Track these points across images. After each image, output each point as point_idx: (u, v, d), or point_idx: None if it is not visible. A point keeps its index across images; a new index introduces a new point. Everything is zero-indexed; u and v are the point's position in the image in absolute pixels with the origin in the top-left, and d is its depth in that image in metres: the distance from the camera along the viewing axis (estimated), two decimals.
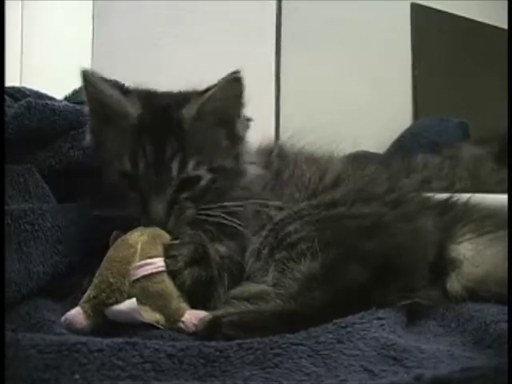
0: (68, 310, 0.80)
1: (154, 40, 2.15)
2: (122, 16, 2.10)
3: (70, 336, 0.70)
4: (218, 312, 0.77)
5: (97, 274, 0.80)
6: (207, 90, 0.92)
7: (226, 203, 0.90)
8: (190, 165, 0.88)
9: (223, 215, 0.89)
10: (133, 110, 0.89)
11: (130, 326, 0.78)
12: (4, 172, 0.87)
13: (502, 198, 1.07)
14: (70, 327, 0.76)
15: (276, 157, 1.07)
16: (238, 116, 0.96)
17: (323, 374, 0.62)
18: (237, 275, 0.89)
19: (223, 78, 0.92)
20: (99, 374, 0.60)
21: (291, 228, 0.90)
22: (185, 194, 0.88)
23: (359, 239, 0.86)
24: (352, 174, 1.01)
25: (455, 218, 1.01)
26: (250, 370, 0.62)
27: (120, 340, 0.65)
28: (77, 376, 0.59)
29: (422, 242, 0.91)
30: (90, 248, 0.91)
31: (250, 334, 0.70)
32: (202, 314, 0.78)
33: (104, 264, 0.81)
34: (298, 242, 0.88)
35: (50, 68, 1.89)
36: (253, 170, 0.99)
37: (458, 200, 1.07)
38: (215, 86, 0.91)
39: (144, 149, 0.87)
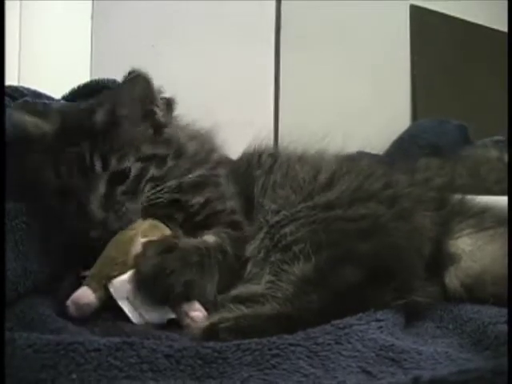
0: (64, 306, 0.80)
1: (152, 40, 2.14)
2: (120, 16, 2.10)
3: (66, 335, 0.69)
4: (215, 318, 0.77)
5: (99, 258, 0.84)
6: (115, 90, 0.95)
7: (171, 181, 0.92)
8: (113, 160, 0.88)
9: (174, 190, 0.91)
10: (48, 127, 0.90)
11: (128, 325, 0.78)
12: (5, 173, 0.86)
13: (496, 200, 1.08)
14: (78, 305, 0.79)
15: (268, 157, 1.07)
16: (155, 106, 0.95)
17: (321, 375, 0.62)
18: (228, 265, 0.89)
19: (123, 81, 0.94)
20: (96, 373, 0.60)
21: (287, 230, 0.90)
22: (120, 189, 0.88)
23: (355, 241, 0.86)
24: (347, 171, 1.01)
25: (452, 213, 1.01)
26: (248, 371, 0.62)
27: (117, 340, 0.65)
28: (74, 376, 0.59)
29: (418, 240, 0.91)
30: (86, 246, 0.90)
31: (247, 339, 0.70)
32: (197, 305, 0.82)
33: (106, 247, 0.85)
34: (292, 244, 0.88)
35: (48, 68, 1.89)
36: (193, 146, 1.00)
37: (453, 196, 1.07)
38: (120, 88, 0.94)
39: (65, 159, 0.87)
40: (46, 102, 1.03)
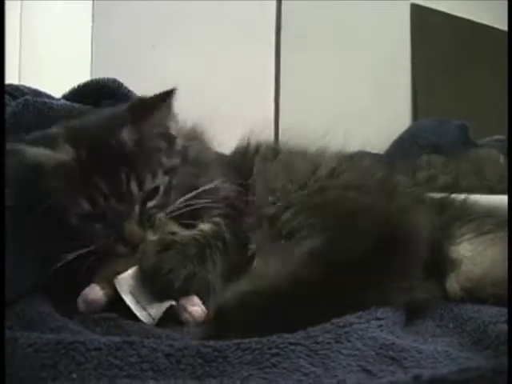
0: (64, 304, 0.81)
1: (152, 40, 2.15)
2: (121, 16, 2.10)
3: (67, 334, 0.69)
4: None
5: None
6: (142, 108, 0.92)
7: (189, 195, 0.93)
8: (148, 179, 0.89)
9: (192, 203, 0.92)
10: (65, 156, 0.88)
11: (129, 324, 0.78)
12: (4, 170, 0.86)
13: (499, 199, 1.07)
14: (87, 301, 0.83)
15: (267, 149, 1.09)
16: (171, 121, 0.97)
17: (321, 374, 0.62)
18: (229, 251, 0.91)
19: (159, 99, 0.92)
20: (96, 372, 0.60)
21: (284, 217, 0.91)
22: (150, 204, 0.90)
23: (353, 218, 0.86)
24: (347, 169, 1.01)
25: (453, 217, 1.01)
26: (248, 370, 0.62)
27: (117, 339, 0.65)
28: (74, 375, 0.59)
29: (416, 228, 0.90)
30: (86, 247, 0.91)
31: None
32: (195, 299, 0.84)
33: None
34: (294, 231, 0.88)
35: (48, 67, 1.89)
36: (194, 148, 1.02)
37: (454, 199, 1.07)
38: (153, 106, 0.91)
39: (97, 185, 0.86)
40: (47, 100, 1.03)
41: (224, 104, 2.07)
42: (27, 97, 1.02)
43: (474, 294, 0.89)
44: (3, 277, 0.77)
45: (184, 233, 0.91)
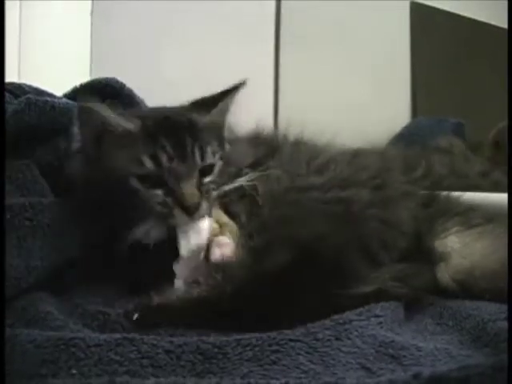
0: (65, 304, 0.81)
1: (152, 40, 2.14)
2: (120, 16, 2.09)
3: (67, 331, 0.69)
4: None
5: None
6: (215, 98, 0.99)
7: (238, 180, 0.97)
8: (209, 153, 0.93)
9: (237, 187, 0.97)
10: (133, 126, 0.91)
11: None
12: (4, 170, 0.87)
13: (493, 197, 1.08)
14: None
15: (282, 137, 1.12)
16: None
17: (321, 372, 0.62)
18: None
19: (232, 91, 1.01)
20: (97, 368, 0.60)
21: (265, 210, 0.92)
22: (207, 179, 0.93)
23: (310, 224, 0.86)
24: (341, 161, 1.02)
25: (437, 213, 1.01)
26: (248, 367, 0.62)
27: (117, 335, 0.65)
28: (74, 371, 0.59)
29: (387, 233, 0.91)
30: (89, 244, 0.91)
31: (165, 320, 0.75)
32: (225, 239, 0.88)
33: None
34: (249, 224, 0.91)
35: (48, 68, 1.89)
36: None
37: (440, 193, 1.07)
38: (224, 96, 0.99)
39: (163, 147, 0.89)
40: (49, 99, 1.03)
41: None
42: (29, 95, 1.02)
43: (466, 287, 0.89)
44: (3, 277, 0.77)
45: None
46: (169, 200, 0.88)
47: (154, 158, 0.88)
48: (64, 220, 0.91)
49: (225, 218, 0.94)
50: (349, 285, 0.81)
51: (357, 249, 0.86)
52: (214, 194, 0.94)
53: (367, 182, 0.97)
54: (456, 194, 1.07)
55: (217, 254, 0.86)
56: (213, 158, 0.94)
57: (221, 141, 0.99)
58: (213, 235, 0.89)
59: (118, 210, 0.89)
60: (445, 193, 1.07)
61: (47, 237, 0.87)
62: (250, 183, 0.96)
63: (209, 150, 0.93)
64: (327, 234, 0.84)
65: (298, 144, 1.09)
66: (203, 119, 0.95)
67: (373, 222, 0.90)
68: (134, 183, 0.88)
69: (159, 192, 0.88)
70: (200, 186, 0.91)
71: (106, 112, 0.89)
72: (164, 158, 0.88)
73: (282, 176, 0.96)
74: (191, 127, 0.93)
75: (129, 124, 0.90)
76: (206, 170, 0.93)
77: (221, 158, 0.96)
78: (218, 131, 0.99)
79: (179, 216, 0.88)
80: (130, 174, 0.88)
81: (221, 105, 0.98)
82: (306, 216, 0.87)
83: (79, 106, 0.92)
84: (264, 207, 0.92)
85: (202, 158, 0.92)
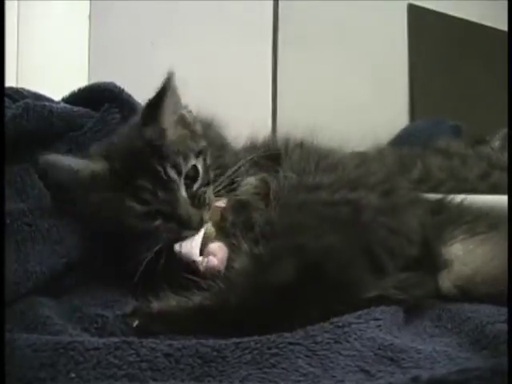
0: (64, 307, 0.81)
1: (150, 40, 2.14)
2: (118, 17, 2.09)
3: (65, 335, 0.69)
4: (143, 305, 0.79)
5: None
6: (152, 104, 0.95)
7: (229, 171, 0.98)
8: (181, 162, 0.91)
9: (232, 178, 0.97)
10: (101, 167, 0.91)
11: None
12: (4, 172, 0.86)
13: (495, 199, 1.08)
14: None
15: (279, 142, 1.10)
16: (183, 109, 1.01)
17: (320, 375, 0.62)
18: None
19: (162, 89, 0.95)
20: (95, 372, 0.60)
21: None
22: (196, 186, 0.92)
23: (316, 232, 0.84)
24: (349, 163, 1.01)
25: (448, 221, 1.01)
26: (247, 370, 0.62)
27: (116, 339, 0.65)
28: (73, 375, 0.59)
29: (395, 241, 0.89)
30: (88, 249, 0.91)
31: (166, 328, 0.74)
32: (220, 244, 0.88)
33: None
34: (256, 225, 0.89)
35: (46, 69, 1.89)
36: (211, 133, 1.07)
37: (451, 201, 1.07)
38: (160, 98, 0.94)
39: (138, 185, 0.88)
40: (47, 103, 1.03)
41: (221, 103, 2.05)
42: (27, 100, 1.01)
43: (467, 292, 0.90)
44: (3, 277, 0.77)
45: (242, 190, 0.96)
46: (171, 225, 0.89)
47: (139, 200, 0.88)
48: (63, 225, 0.91)
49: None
50: (352, 296, 0.81)
51: (363, 260, 0.85)
52: (209, 194, 0.94)
53: (376, 185, 0.95)
54: (467, 201, 1.06)
55: (210, 262, 0.85)
56: (189, 162, 0.93)
57: (192, 136, 0.98)
58: (207, 238, 0.89)
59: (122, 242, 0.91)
60: (456, 201, 1.07)
61: (46, 242, 0.87)
62: (257, 183, 0.97)
63: (180, 160, 0.91)
64: (334, 246, 0.82)
65: (305, 146, 1.07)
66: (157, 130, 0.93)
67: (381, 231, 0.88)
68: (135, 222, 0.90)
69: (160, 222, 0.90)
70: (193, 199, 0.91)
71: (66, 161, 0.90)
72: (148, 196, 0.88)
73: (289, 174, 0.95)
74: (153, 148, 0.91)
75: (95, 166, 0.91)
76: (191, 177, 0.93)
77: (199, 153, 0.95)
78: (180, 130, 0.97)
79: (187, 232, 0.89)
80: (126, 217, 0.89)
81: (165, 105, 0.94)
82: (314, 224, 0.85)
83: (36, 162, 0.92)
84: (272, 208, 0.91)
85: (179, 171, 0.91)
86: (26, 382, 0.59)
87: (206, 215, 0.91)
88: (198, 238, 0.88)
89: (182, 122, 0.99)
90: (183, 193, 0.90)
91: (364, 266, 0.84)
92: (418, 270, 0.89)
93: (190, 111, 1.02)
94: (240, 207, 0.93)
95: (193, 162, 0.93)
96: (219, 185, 0.96)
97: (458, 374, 0.52)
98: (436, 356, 0.66)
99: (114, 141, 0.97)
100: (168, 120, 0.94)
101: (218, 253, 0.86)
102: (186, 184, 0.91)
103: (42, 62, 1.91)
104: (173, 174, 0.90)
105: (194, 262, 0.86)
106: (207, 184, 0.95)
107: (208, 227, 0.91)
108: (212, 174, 0.97)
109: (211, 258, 0.85)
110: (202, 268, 0.85)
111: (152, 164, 0.89)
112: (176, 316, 0.77)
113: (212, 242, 0.89)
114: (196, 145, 0.97)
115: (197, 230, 0.89)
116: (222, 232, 0.91)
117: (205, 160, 0.96)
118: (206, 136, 1.02)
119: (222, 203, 0.95)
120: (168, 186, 0.89)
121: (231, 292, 0.77)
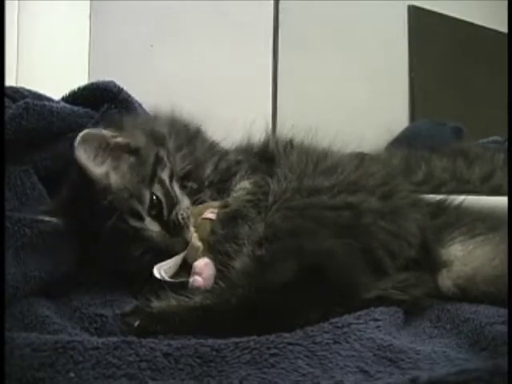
0: (63, 307, 0.80)
1: (150, 40, 2.14)
2: (119, 17, 2.09)
3: (64, 334, 0.69)
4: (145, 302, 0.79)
5: None
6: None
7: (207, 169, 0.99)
8: (136, 203, 0.90)
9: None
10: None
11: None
12: (4, 173, 0.86)
13: (495, 200, 1.08)
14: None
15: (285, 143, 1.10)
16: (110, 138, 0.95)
17: (319, 375, 0.62)
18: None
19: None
20: (94, 372, 0.60)
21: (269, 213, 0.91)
22: (165, 212, 0.91)
23: (319, 234, 0.84)
24: (348, 165, 1.00)
25: (447, 223, 1.01)
26: (246, 370, 0.62)
27: (115, 338, 0.65)
28: (72, 374, 0.59)
29: (395, 244, 0.89)
30: (86, 257, 0.91)
31: (167, 328, 0.74)
32: (206, 261, 0.85)
33: None
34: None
35: (46, 68, 1.89)
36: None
37: (450, 203, 1.07)
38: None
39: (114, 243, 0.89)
40: (47, 103, 1.03)
41: (221, 104, 2.06)
42: (27, 100, 1.02)
43: (467, 291, 0.90)
44: (3, 277, 0.77)
45: (234, 196, 0.95)
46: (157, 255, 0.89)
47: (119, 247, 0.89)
48: (63, 228, 0.91)
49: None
50: (351, 297, 0.81)
51: (363, 261, 0.85)
52: (184, 208, 0.93)
53: (375, 188, 0.95)
54: (466, 203, 1.06)
55: (196, 282, 0.84)
56: (145, 196, 0.91)
57: (137, 162, 0.93)
58: (194, 253, 0.89)
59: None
60: (455, 203, 1.06)
61: (47, 247, 0.87)
62: (250, 188, 0.96)
63: (135, 202, 0.89)
64: (335, 248, 0.83)
65: (303, 147, 1.07)
66: (100, 189, 0.89)
67: (381, 234, 0.88)
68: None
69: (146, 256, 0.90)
70: (167, 227, 0.90)
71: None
72: (124, 247, 0.89)
73: (288, 175, 0.95)
74: (105, 210, 0.88)
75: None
76: (157, 205, 0.91)
77: (153, 175, 0.93)
78: (123, 167, 0.92)
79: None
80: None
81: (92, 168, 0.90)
82: (315, 227, 0.85)
83: None
84: (273, 211, 0.90)
85: (139, 216, 0.89)
86: (26, 382, 0.59)
87: (188, 234, 0.91)
88: (171, 261, 0.88)
89: (117, 155, 0.93)
90: (155, 229, 0.90)
91: (364, 267, 0.84)
92: (417, 271, 0.90)
93: (115, 135, 0.94)
94: (229, 220, 0.91)
95: (148, 193, 0.91)
96: (201, 195, 0.97)
97: (456, 375, 0.52)
98: (435, 357, 0.67)
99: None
100: (104, 171, 0.90)
101: (203, 271, 0.84)
102: (155, 217, 0.91)
103: (43, 62, 1.91)
104: (134, 222, 0.89)
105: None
106: (174, 204, 0.93)
107: (193, 244, 0.90)
108: (177, 190, 0.95)
109: (196, 277, 0.83)
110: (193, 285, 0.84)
111: (115, 223, 0.87)
112: (176, 316, 0.76)
113: (199, 257, 0.87)
114: (144, 169, 0.93)
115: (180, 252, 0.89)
116: (210, 247, 0.89)
117: (161, 182, 0.93)
118: (168, 135, 1.01)
119: (211, 214, 0.93)
120: (137, 233, 0.89)
121: (232, 292, 0.77)
